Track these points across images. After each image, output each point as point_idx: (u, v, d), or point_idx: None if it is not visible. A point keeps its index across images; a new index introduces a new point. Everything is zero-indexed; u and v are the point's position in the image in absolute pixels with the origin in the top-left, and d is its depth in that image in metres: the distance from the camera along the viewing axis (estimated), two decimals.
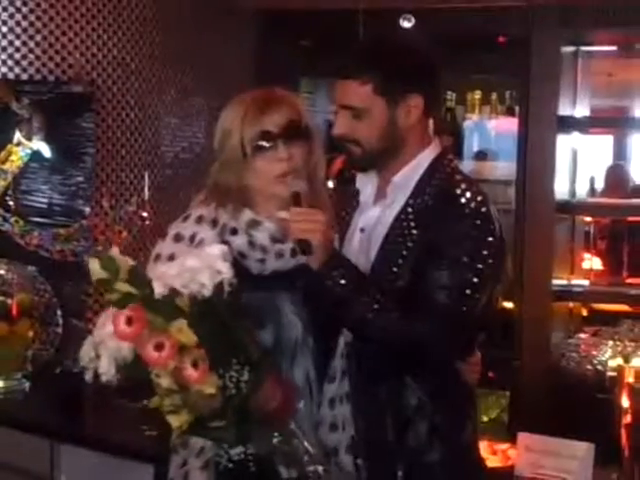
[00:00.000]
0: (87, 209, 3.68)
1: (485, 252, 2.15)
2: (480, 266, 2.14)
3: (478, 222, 2.16)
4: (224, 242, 2.02)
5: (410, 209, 2.21)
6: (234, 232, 2.08)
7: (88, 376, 1.86)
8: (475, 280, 2.14)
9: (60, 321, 3.63)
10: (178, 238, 2.08)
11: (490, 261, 2.16)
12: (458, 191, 2.19)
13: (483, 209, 2.17)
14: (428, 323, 2.11)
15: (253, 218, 2.10)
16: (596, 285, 4.45)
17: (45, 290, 3.65)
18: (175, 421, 1.80)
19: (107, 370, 1.81)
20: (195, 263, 1.86)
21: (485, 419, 3.90)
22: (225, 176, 2.12)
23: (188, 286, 1.82)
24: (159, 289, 1.81)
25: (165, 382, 1.78)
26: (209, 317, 1.81)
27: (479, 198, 2.18)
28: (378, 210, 2.29)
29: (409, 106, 2.22)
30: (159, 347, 1.77)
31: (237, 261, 1.98)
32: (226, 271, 1.86)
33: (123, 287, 1.80)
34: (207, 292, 1.82)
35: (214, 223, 2.08)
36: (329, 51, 4.42)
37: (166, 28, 4.02)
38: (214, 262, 1.86)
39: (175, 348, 1.77)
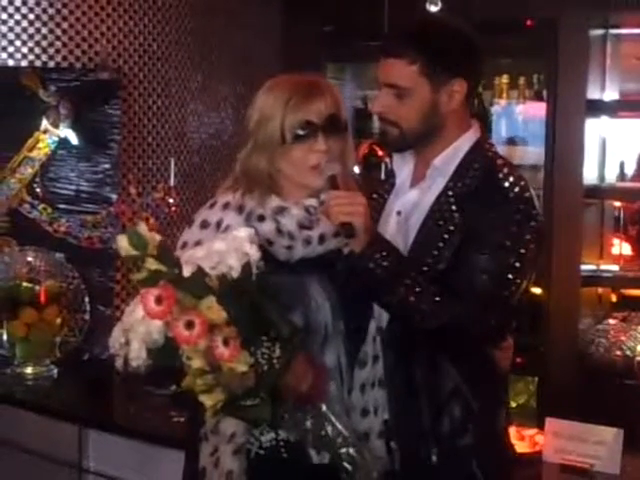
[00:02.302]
0: (114, 196, 3.69)
1: (528, 237, 2.14)
2: (522, 251, 2.13)
3: (522, 206, 2.15)
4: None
5: (451, 192, 2.20)
6: (261, 219, 2.07)
7: (119, 362, 1.87)
8: (517, 265, 2.13)
9: (88, 308, 3.64)
10: (205, 225, 2.08)
11: (532, 246, 2.15)
12: (501, 175, 2.18)
13: (526, 194, 2.17)
14: (469, 307, 2.10)
15: (280, 204, 2.09)
16: (625, 270, 4.41)
17: (73, 277, 3.66)
18: (208, 400, 1.80)
19: (138, 355, 1.81)
20: (222, 246, 1.86)
21: (513, 405, 3.90)
22: (256, 160, 2.11)
23: (216, 268, 1.82)
24: (187, 271, 1.82)
25: (197, 363, 1.78)
26: (238, 296, 1.81)
27: (522, 183, 2.18)
28: (416, 193, 2.28)
29: (452, 90, 2.21)
30: (189, 325, 1.77)
31: (264, 248, 1.97)
32: (254, 253, 1.86)
33: (152, 264, 1.80)
34: (235, 274, 1.82)
35: (240, 209, 2.08)
36: (353, 36, 4.44)
37: (192, 14, 4.02)
38: (242, 244, 1.86)
39: (205, 326, 1.77)
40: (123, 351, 1.85)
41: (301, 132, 2.06)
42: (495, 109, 4.42)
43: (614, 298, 4.53)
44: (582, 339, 4.12)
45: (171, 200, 3.49)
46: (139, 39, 3.82)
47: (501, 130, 4.39)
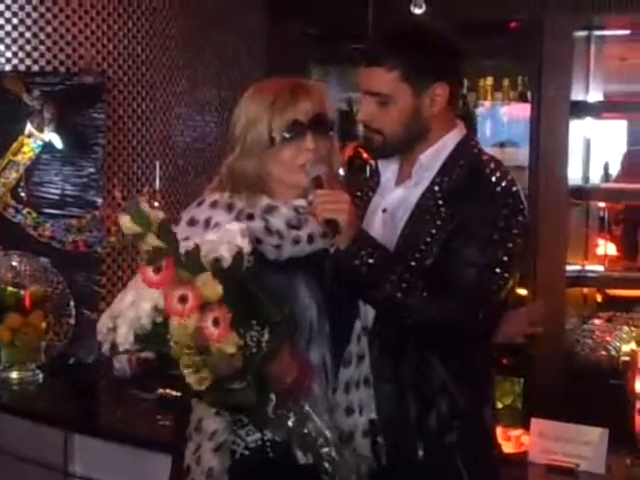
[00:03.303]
0: (99, 200, 3.69)
1: (515, 231, 2.15)
2: (510, 245, 2.14)
3: (509, 201, 2.16)
4: None
5: (437, 187, 2.21)
6: (250, 217, 2.06)
7: (105, 347, 1.86)
8: (505, 259, 2.14)
9: (73, 312, 3.64)
10: (192, 222, 2.07)
11: (519, 240, 2.16)
12: (488, 170, 2.19)
13: (514, 188, 2.18)
14: (457, 301, 2.10)
15: (269, 203, 2.09)
16: (611, 270, 4.42)
17: (58, 281, 3.66)
18: (195, 381, 1.81)
19: (125, 339, 1.81)
20: (214, 237, 1.87)
21: (500, 406, 3.90)
22: (244, 164, 2.11)
23: (208, 256, 1.83)
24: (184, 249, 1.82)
25: (185, 341, 1.78)
26: (229, 281, 1.82)
27: (509, 177, 2.19)
28: (401, 191, 2.29)
29: (435, 94, 2.22)
30: (183, 299, 1.77)
31: (254, 247, 1.96)
32: (245, 246, 1.86)
33: (154, 241, 1.80)
34: (226, 263, 1.83)
35: (229, 207, 2.08)
36: (338, 39, 4.44)
37: (177, 18, 4.02)
38: (233, 237, 1.87)
39: (198, 301, 1.77)
40: (110, 336, 1.85)
41: (289, 132, 2.07)
42: (480, 111, 4.43)
43: (599, 298, 4.55)
44: (568, 339, 4.13)
45: (156, 203, 3.48)
46: (123, 42, 3.82)
47: (486, 131, 4.40)
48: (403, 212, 2.25)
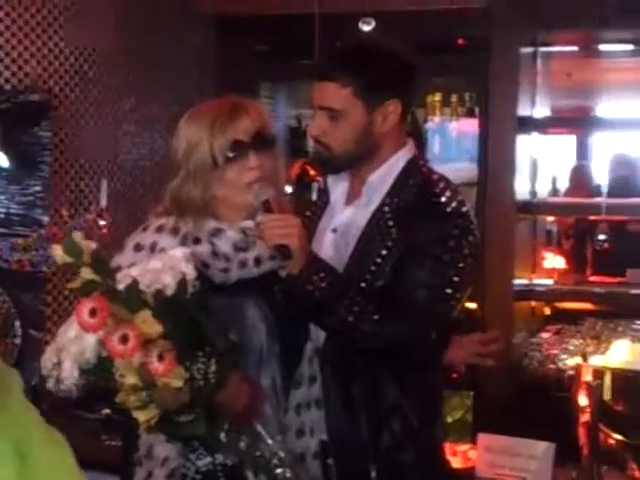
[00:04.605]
0: (45, 218, 3.64)
1: (466, 251, 2.17)
2: (461, 265, 2.16)
3: (460, 221, 2.18)
4: None
5: (387, 208, 2.22)
6: (197, 241, 2.05)
7: (50, 383, 1.85)
8: (456, 279, 2.16)
9: (19, 332, 3.59)
10: (138, 248, 2.06)
11: (470, 260, 2.18)
12: (437, 190, 2.21)
13: (463, 208, 2.20)
14: (408, 323, 2.12)
15: (216, 226, 2.08)
16: (559, 284, 4.47)
17: (3, 301, 3.60)
18: (142, 416, 1.80)
19: (70, 374, 1.80)
20: (158, 265, 1.86)
21: (450, 420, 3.91)
22: (188, 189, 2.09)
23: (151, 286, 1.82)
24: (123, 285, 1.81)
25: (131, 379, 1.77)
26: (173, 311, 1.81)
27: (459, 197, 2.21)
28: (351, 210, 2.29)
29: (387, 111, 2.23)
30: (124, 339, 1.76)
31: (200, 271, 1.96)
32: (189, 272, 1.85)
33: (87, 274, 1.79)
34: (170, 291, 1.82)
35: (175, 231, 2.06)
36: (287, 56, 4.45)
37: (124, 35, 3.99)
38: (177, 263, 1.86)
39: (140, 339, 1.76)
40: (55, 372, 1.83)
41: (232, 152, 2.06)
42: (428, 126, 4.47)
43: (548, 311, 4.59)
44: (516, 352, 4.16)
45: (103, 222, 3.46)
46: (70, 60, 3.78)
47: (434, 147, 4.44)
48: (354, 233, 2.25)
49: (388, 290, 2.15)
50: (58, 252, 1.80)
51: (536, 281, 4.39)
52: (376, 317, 2.10)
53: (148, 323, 1.78)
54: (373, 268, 2.17)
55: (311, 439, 2.15)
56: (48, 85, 3.74)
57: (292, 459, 2.03)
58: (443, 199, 2.19)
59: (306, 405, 2.15)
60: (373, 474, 2.19)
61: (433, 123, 4.48)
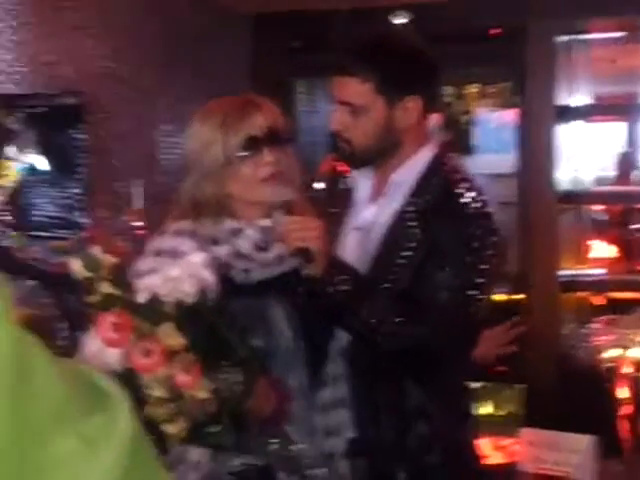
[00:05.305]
0: (84, 220, 3.68)
1: (489, 252, 2.14)
2: (484, 266, 2.13)
3: (482, 222, 2.15)
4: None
5: (410, 208, 2.19)
6: (216, 242, 2.03)
7: None
8: (479, 280, 2.13)
9: (65, 334, 3.62)
10: (158, 253, 2.03)
11: (493, 261, 2.15)
12: (460, 190, 2.17)
13: (486, 209, 2.16)
14: (431, 325, 2.09)
15: (234, 226, 2.06)
16: (608, 274, 4.39)
17: (47, 304, 3.64)
18: (171, 429, 1.78)
19: None
20: (177, 272, 1.84)
21: (502, 413, 3.87)
22: (204, 188, 2.07)
23: (172, 295, 1.80)
24: (142, 299, 1.79)
25: (157, 392, 1.76)
26: (195, 321, 1.80)
27: (481, 197, 2.17)
28: (375, 208, 2.27)
29: (407, 107, 2.20)
30: (148, 353, 1.75)
31: (221, 272, 1.92)
32: (209, 278, 1.84)
33: (105, 288, 1.78)
34: (190, 299, 1.80)
35: (194, 234, 2.04)
36: (321, 51, 4.42)
37: (156, 35, 4.01)
38: (197, 270, 1.84)
39: (164, 353, 1.75)
40: None
41: (245, 149, 2.04)
42: (466, 118, 4.42)
43: (599, 301, 4.50)
44: (564, 344, 4.10)
45: (140, 223, 3.47)
46: (102, 62, 3.81)
47: (473, 139, 4.40)
48: (377, 231, 2.22)
49: (411, 292, 2.12)
50: (77, 266, 1.79)
51: (584, 271, 4.31)
52: (398, 319, 2.08)
53: (171, 336, 1.77)
54: (396, 269, 2.15)
55: (339, 439, 2.12)
56: (82, 88, 3.76)
57: (322, 459, 2.02)
58: (465, 200, 2.16)
59: (333, 405, 2.12)
60: (402, 475, 2.16)
61: (470, 115, 4.44)
